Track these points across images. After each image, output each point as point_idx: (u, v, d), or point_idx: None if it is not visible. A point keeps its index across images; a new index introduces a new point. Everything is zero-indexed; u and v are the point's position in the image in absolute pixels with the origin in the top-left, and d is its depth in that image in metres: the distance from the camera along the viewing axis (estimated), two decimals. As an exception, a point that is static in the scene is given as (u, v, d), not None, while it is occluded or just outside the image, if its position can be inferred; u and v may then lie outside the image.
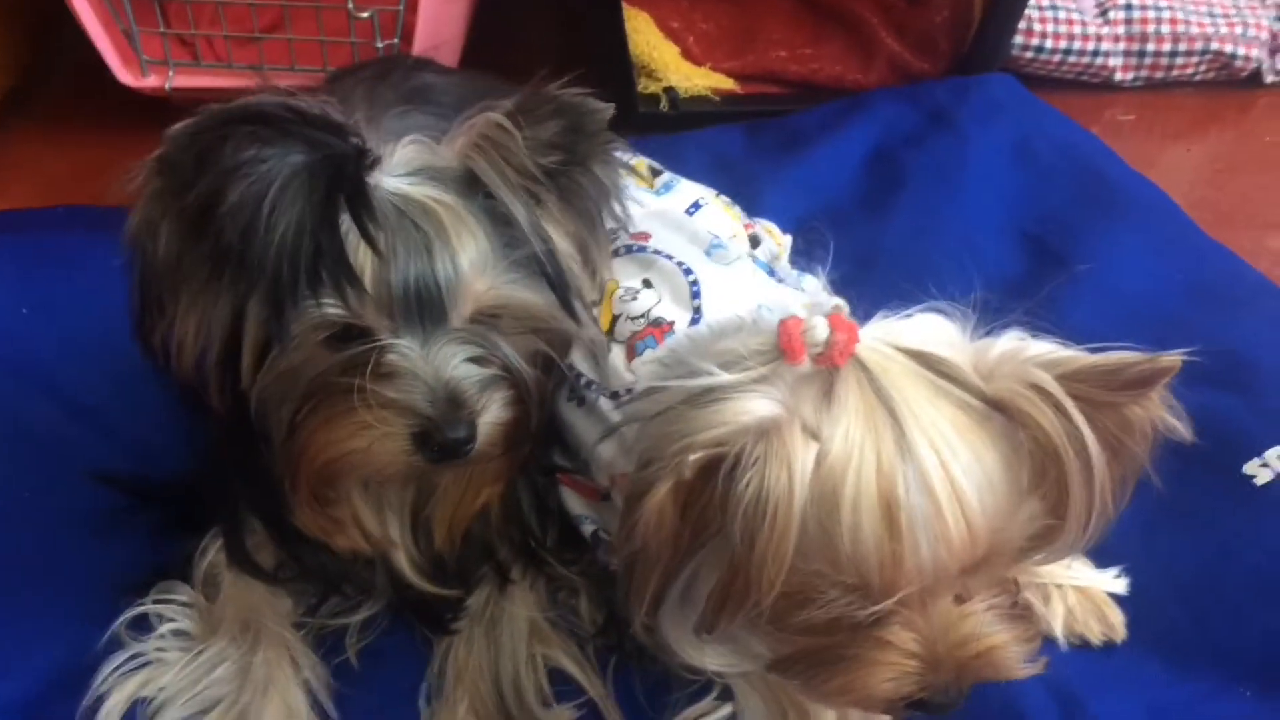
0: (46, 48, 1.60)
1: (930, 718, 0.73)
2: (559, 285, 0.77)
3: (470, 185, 0.75)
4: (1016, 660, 0.70)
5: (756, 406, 0.64)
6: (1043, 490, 0.67)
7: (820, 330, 0.65)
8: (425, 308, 0.72)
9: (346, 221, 0.70)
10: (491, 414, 0.75)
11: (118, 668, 0.84)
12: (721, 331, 0.79)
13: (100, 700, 0.82)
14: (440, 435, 0.72)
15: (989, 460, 0.64)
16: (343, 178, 0.69)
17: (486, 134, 0.74)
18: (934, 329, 0.69)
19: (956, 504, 0.62)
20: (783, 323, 0.66)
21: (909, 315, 0.69)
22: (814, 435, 0.63)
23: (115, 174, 1.39)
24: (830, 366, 0.65)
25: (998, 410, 0.65)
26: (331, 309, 0.71)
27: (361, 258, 0.70)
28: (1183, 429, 0.68)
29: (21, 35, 1.53)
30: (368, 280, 0.71)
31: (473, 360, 0.74)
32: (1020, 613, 0.72)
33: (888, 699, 0.69)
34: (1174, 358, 0.66)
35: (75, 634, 0.86)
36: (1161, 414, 0.68)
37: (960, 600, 0.68)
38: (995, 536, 0.65)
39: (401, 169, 0.74)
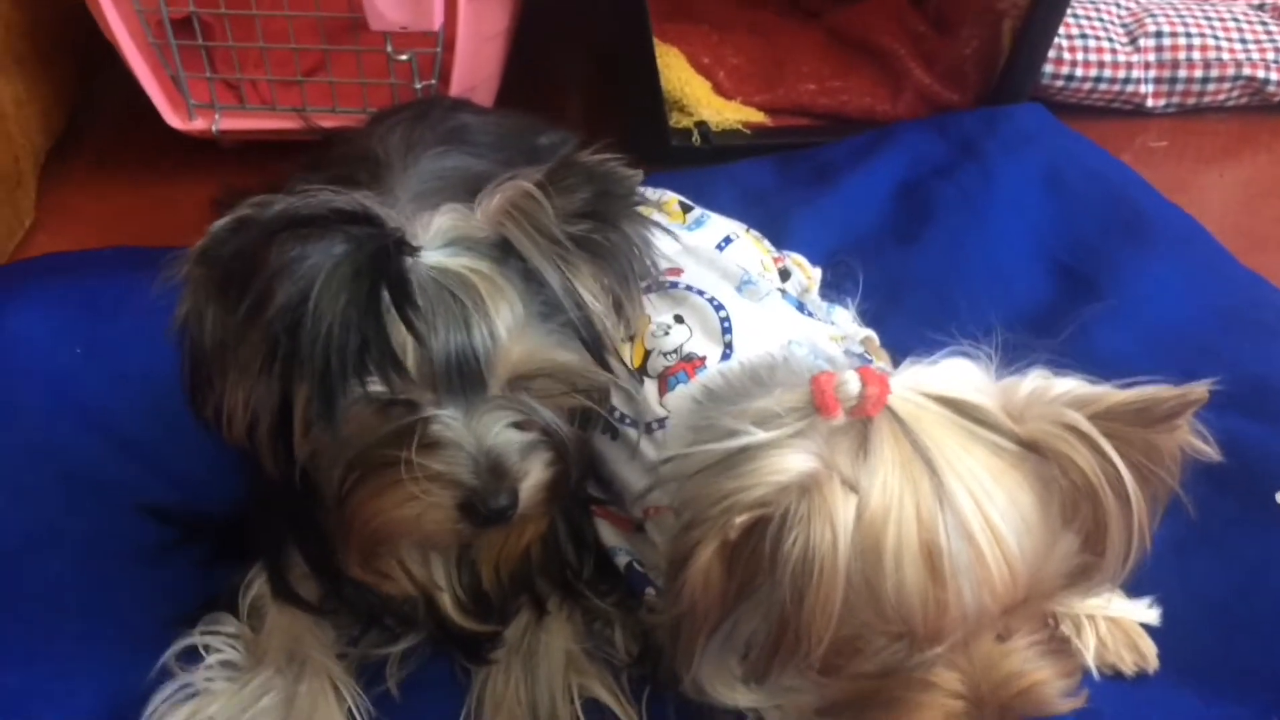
0: (94, 91, 1.64)
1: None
2: (593, 345, 0.79)
3: (504, 251, 0.76)
4: (1059, 695, 0.70)
5: (795, 462, 0.65)
6: (1077, 525, 0.68)
7: (852, 385, 0.65)
8: (465, 378, 0.74)
9: (387, 307, 0.72)
10: (533, 478, 0.77)
11: (168, 698, 0.85)
12: (754, 373, 0.80)
13: (151, 729, 0.84)
14: (485, 506, 0.74)
15: (1024, 502, 0.65)
16: (384, 269, 0.71)
17: (517, 202, 0.76)
18: (961, 373, 0.70)
19: (997, 548, 0.63)
20: (815, 380, 0.67)
21: (935, 361, 0.70)
22: (853, 488, 0.63)
23: (162, 214, 1.44)
24: (864, 418, 0.66)
25: (1032, 451, 0.66)
26: (375, 388, 0.73)
27: (402, 338, 0.72)
28: (1209, 449, 0.69)
29: (70, 79, 1.57)
30: (409, 358, 0.72)
31: (514, 425, 0.76)
32: (1060, 647, 0.72)
33: None
34: (1202, 389, 0.67)
35: (126, 665, 0.88)
36: (1189, 439, 0.69)
37: (1002, 638, 0.69)
38: (1035, 576, 0.65)
39: (439, 241, 0.76)
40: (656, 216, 0.86)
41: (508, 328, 0.74)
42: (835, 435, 0.66)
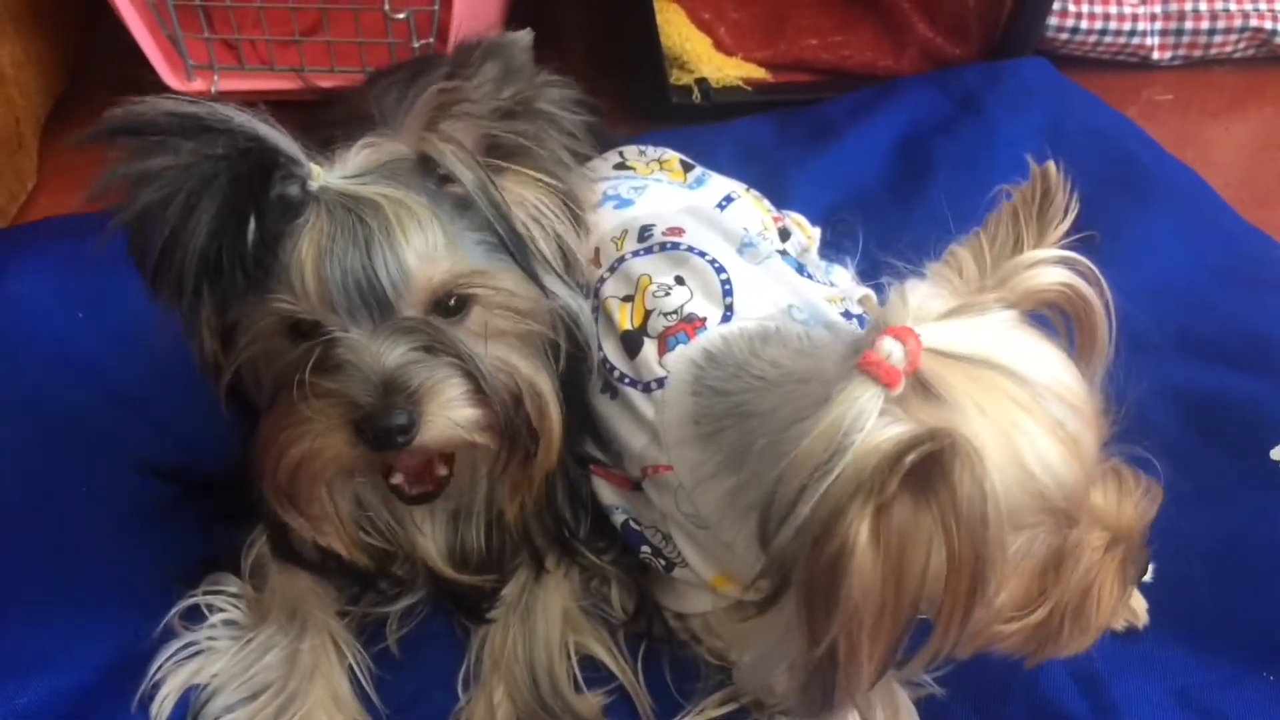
0: (93, 54, 1.63)
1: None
2: (520, 254, 0.77)
3: (426, 173, 0.76)
4: (1150, 498, 0.73)
5: (898, 429, 0.61)
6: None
7: (895, 351, 0.63)
8: (370, 301, 0.72)
9: (290, 218, 0.72)
10: (440, 404, 0.74)
11: (171, 656, 0.87)
12: (753, 343, 0.81)
13: (155, 687, 0.86)
14: (376, 422, 0.72)
15: (1059, 349, 0.67)
16: (251, 187, 0.71)
17: (435, 106, 0.74)
18: (935, 291, 0.69)
19: (1080, 395, 0.65)
20: (864, 366, 0.63)
21: (905, 295, 0.68)
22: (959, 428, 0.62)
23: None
24: (915, 371, 0.64)
25: (1041, 309, 0.69)
26: (278, 303, 0.73)
27: (303, 255, 0.71)
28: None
29: (69, 41, 1.57)
30: (308, 277, 0.72)
31: (422, 348, 0.74)
32: (1112, 468, 0.73)
33: (1126, 595, 0.73)
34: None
35: (130, 624, 0.89)
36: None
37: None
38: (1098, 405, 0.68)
39: (353, 170, 0.75)
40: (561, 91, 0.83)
41: (419, 251, 0.73)
42: (902, 401, 0.63)
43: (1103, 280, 0.69)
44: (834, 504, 0.59)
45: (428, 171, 0.76)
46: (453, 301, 0.76)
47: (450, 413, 0.75)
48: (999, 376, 0.63)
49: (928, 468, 0.58)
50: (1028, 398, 0.63)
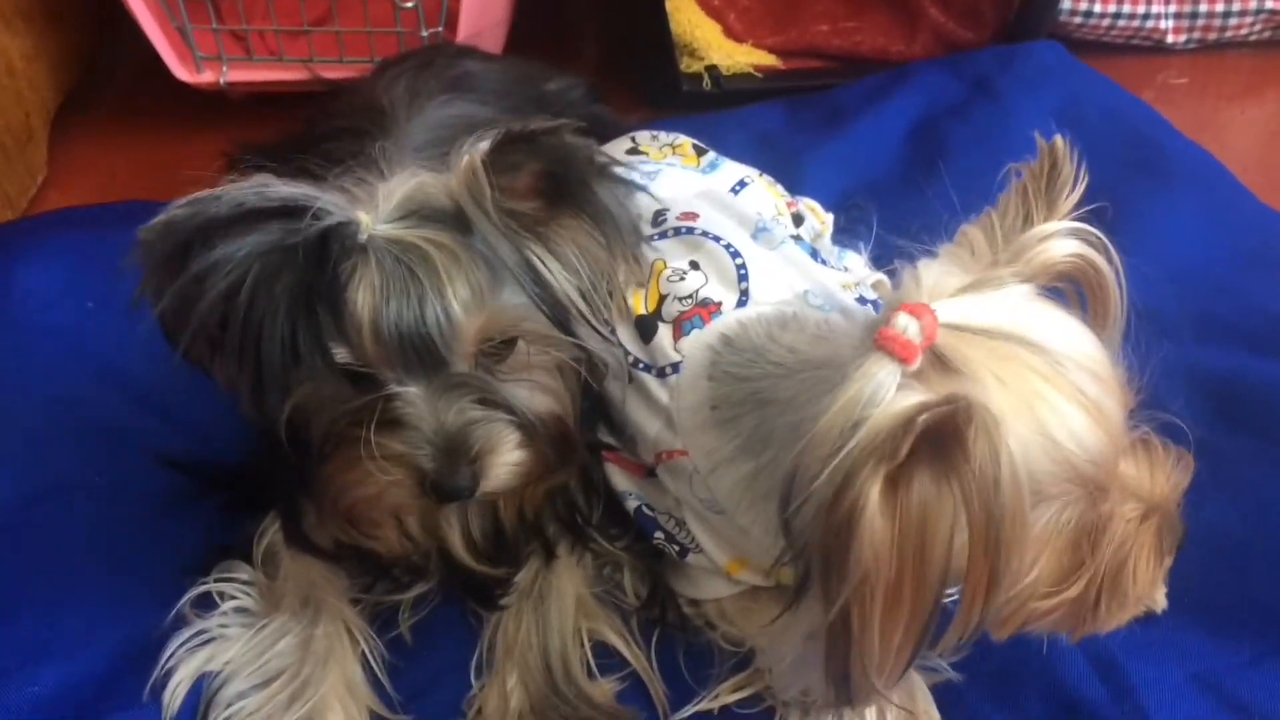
0: (106, 46, 1.63)
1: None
2: (557, 318, 0.78)
3: (467, 219, 0.75)
4: (1183, 466, 0.73)
5: (915, 396, 0.60)
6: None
7: (910, 326, 0.62)
8: (424, 355, 0.73)
9: (345, 271, 0.72)
10: (499, 456, 0.77)
11: (184, 643, 0.87)
12: (772, 329, 0.80)
13: (168, 675, 0.86)
14: (443, 486, 0.75)
15: (1078, 319, 0.67)
16: (310, 263, 0.71)
17: (470, 173, 0.74)
18: (943, 269, 0.69)
19: (1101, 362, 0.65)
20: (880, 342, 0.62)
21: (918, 275, 0.68)
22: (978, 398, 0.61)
23: (174, 168, 1.44)
24: (932, 347, 0.63)
25: (1055, 282, 0.69)
26: (338, 355, 0.73)
27: (359, 309, 0.71)
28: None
29: (80, 35, 1.57)
30: (365, 331, 0.72)
31: (477, 403, 0.76)
32: (1140, 438, 0.72)
33: (1164, 567, 0.73)
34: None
35: (143, 612, 0.89)
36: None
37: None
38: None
39: (399, 211, 0.74)
40: (627, 173, 0.83)
41: (464, 302, 0.73)
42: (920, 376, 0.63)
43: (1112, 249, 0.69)
44: (847, 470, 0.58)
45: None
46: (498, 342, 0.77)
47: (508, 463, 0.78)
48: (1017, 348, 0.63)
49: (945, 438, 0.57)
50: (1048, 367, 0.62)
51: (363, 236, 0.72)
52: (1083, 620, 0.72)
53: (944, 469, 0.58)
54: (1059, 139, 0.71)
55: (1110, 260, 0.69)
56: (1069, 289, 0.70)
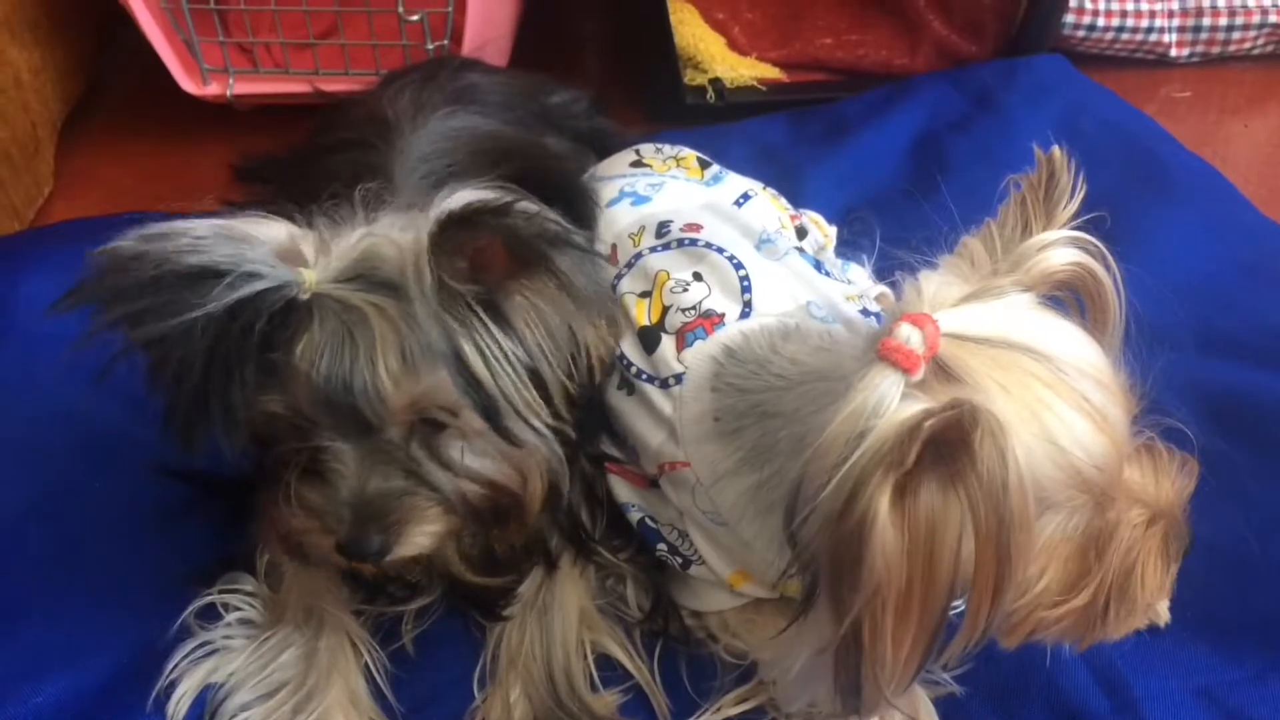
0: (111, 57, 1.64)
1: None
2: (486, 412, 0.76)
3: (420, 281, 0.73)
4: (1187, 471, 0.73)
5: (917, 404, 0.61)
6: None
7: (913, 336, 0.63)
8: (350, 414, 0.73)
9: (284, 328, 0.71)
10: (415, 525, 0.77)
11: (188, 655, 0.87)
12: (773, 339, 0.81)
13: (172, 686, 0.86)
14: (349, 549, 0.76)
15: (1077, 327, 0.68)
16: (240, 334, 0.70)
17: (414, 254, 0.73)
18: (944, 279, 0.69)
19: (1104, 371, 0.65)
20: (883, 352, 0.63)
21: (919, 287, 0.69)
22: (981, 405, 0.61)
23: (180, 180, 1.45)
24: (935, 357, 0.64)
25: (1055, 291, 0.70)
26: (273, 405, 0.74)
27: (296, 362, 0.71)
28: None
29: (86, 46, 1.57)
30: (300, 386, 0.72)
31: (400, 474, 0.76)
32: (1144, 443, 0.72)
33: (1171, 573, 0.72)
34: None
35: (146, 623, 0.89)
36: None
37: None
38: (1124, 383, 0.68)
39: (346, 273, 0.73)
40: (586, 243, 0.81)
41: (392, 374, 0.72)
42: (923, 386, 0.63)
43: (1109, 256, 0.70)
44: (855, 480, 0.58)
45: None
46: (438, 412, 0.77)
47: (423, 534, 0.78)
48: (1020, 356, 0.63)
49: (951, 444, 0.58)
50: (1051, 375, 0.63)
51: (305, 295, 0.71)
52: (1092, 627, 0.71)
53: (950, 475, 0.59)
54: (1056, 150, 0.72)
55: (1108, 268, 0.70)
56: (1068, 297, 0.71)
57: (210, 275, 0.69)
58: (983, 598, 0.61)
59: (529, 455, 0.81)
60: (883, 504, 0.58)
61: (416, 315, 0.72)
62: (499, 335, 0.75)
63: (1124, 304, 0.70)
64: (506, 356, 0.76)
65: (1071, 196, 0.72)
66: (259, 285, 0.70)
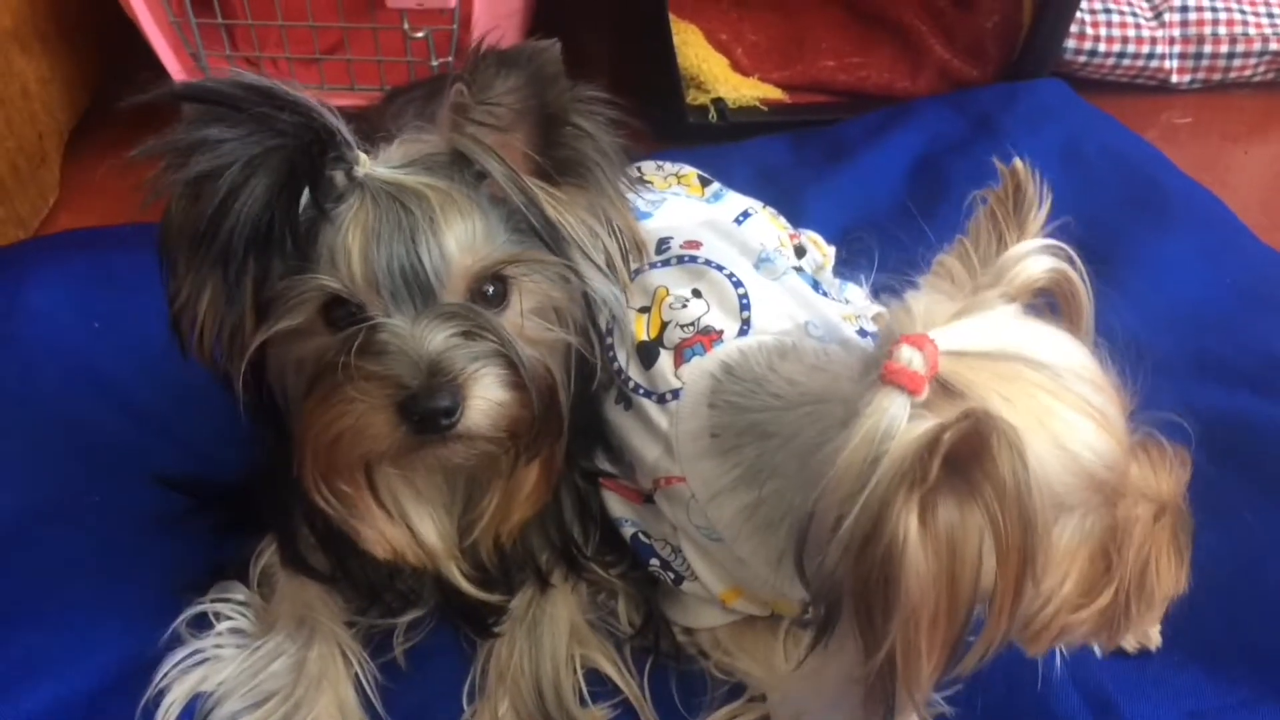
0: (116, 71, 1.64)
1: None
2: (551, 238, 0.78)
3: (464, 166, 0.77)
4: (1183, 461, 0.73)
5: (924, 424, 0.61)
6: None
7: (914, 358, 0.62)
8: (414, 287, 0.74)
9: (338, 203, 0.73)
10: (482, 388, 0.74)
11: (178, 663, 0.87)
12: (772, 359, 0.81)
13: (161, 694, 0.86)
14: (422, 404, 0.72)
15: (1065, 332, 0.68)
16: (304, 164, 0.72)
17: (456, 105, 0.76)
18: (938, 299, 0.69)
19: (1097, 373, 0.65)
20: (887, 376, 0.62)
21: (909, 307, 0.68)
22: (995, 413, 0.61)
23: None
24: (936, 375, 0.64)
25: (1034, 299, 0.70)
26: (325, 280, 0.74)
27: (349, 240, 0.73)
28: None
29: (93, 57, 1.58)
30: (355, 262, 0.73)
31: (463, 334, 0.74)
32: (1141, 439, 0.72)
33: (1184, 563, 0.73)
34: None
35: (138, 630, 0.89)
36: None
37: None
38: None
39: (397, 160, 0.76)
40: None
41: (459, 239, 0.74)
42: (929, 405, 0.62)
43: (1076, 258, 0.71)
44: (879, 503, 0.58)
45: (465, 165, 0.77)
46: (491, 291, 0.77)
47: (492, 396, 0.75)
48: (1019, 366, 0.63)
49: (963, 458, 0.58)
50: (1051, 382, 0.63)
51: (359, 172, 0.74)
52: (1114, 626, 0.71)
53: (967, 489, 0.59)
54: (1018, 161, 0.73)
55: (1078, 269, 0.71)
56: (1041, 303, 0.71)
57: (291, 106, 0.73)
58: (1003, 605, 0.62)
59: (563, 358, 0.82)
60: (912, 524, 0.57)
61: (469, 183, 0.76)
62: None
63: (1093, 304, 0.71)
64: (567, 198, 0.79)
65: (1039, 205, 0.72)
66: (336, 126, 0.73)
